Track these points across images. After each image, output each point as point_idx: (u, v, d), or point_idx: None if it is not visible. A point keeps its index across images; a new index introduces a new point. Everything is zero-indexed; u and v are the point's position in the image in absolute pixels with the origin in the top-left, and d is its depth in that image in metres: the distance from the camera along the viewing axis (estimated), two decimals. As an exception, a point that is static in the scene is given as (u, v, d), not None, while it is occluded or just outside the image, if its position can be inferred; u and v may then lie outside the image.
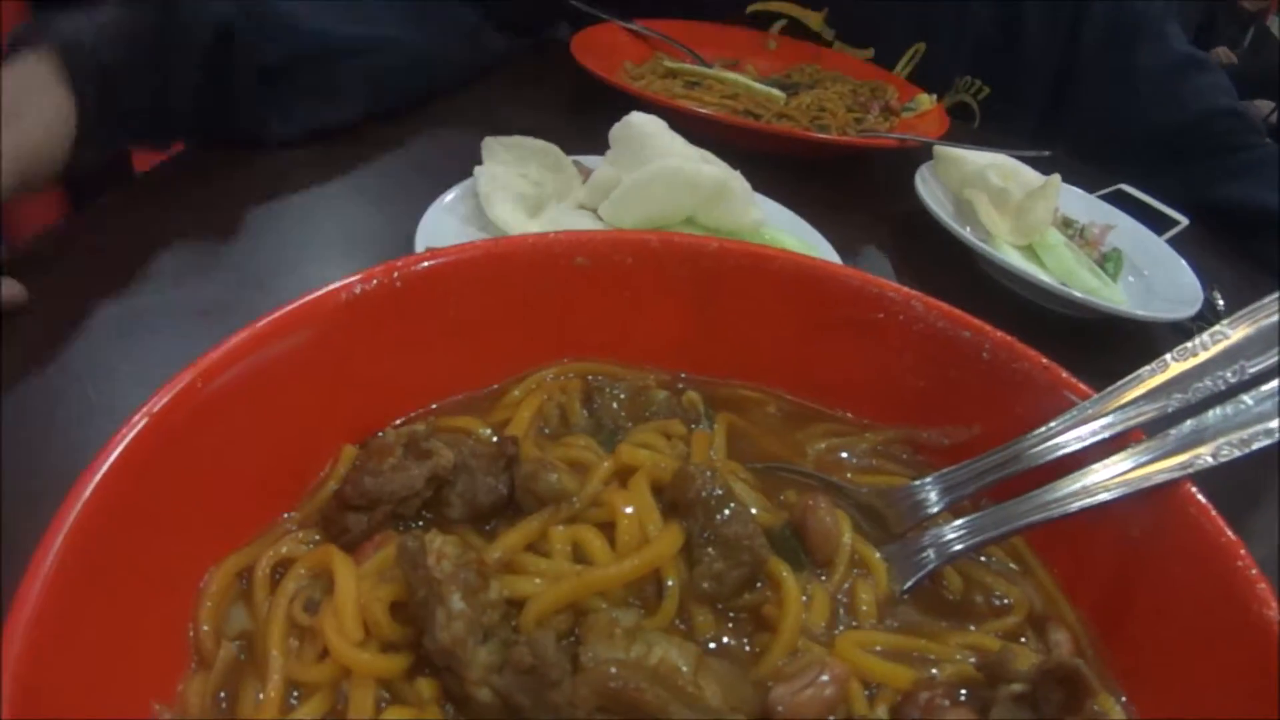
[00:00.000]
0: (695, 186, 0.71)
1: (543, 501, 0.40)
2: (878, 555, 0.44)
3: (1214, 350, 0.48)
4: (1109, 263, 0.98)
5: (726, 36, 1.30)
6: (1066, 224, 0.99)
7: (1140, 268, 0.99)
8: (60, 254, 0.73)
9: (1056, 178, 0.95)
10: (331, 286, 0.42)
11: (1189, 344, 0.48)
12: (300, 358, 0.40)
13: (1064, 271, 0.90)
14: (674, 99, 1.04)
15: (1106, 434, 0.46)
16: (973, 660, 0.40)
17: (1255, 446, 0.44)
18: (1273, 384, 0.45)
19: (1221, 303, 1.00)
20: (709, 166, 0.72)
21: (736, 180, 0.73)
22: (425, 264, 0.44)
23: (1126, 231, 1.04)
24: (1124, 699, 0.41)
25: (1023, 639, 0.43)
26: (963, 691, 0.38)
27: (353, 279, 0.42)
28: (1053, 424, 0.46)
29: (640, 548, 0.38)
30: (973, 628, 0.44)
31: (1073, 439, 0.46)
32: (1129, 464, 0.44)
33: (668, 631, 0.37)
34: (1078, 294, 0.85)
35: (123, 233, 0.76)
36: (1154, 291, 0.95)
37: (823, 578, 0.43)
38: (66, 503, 0.32)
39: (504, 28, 1.11)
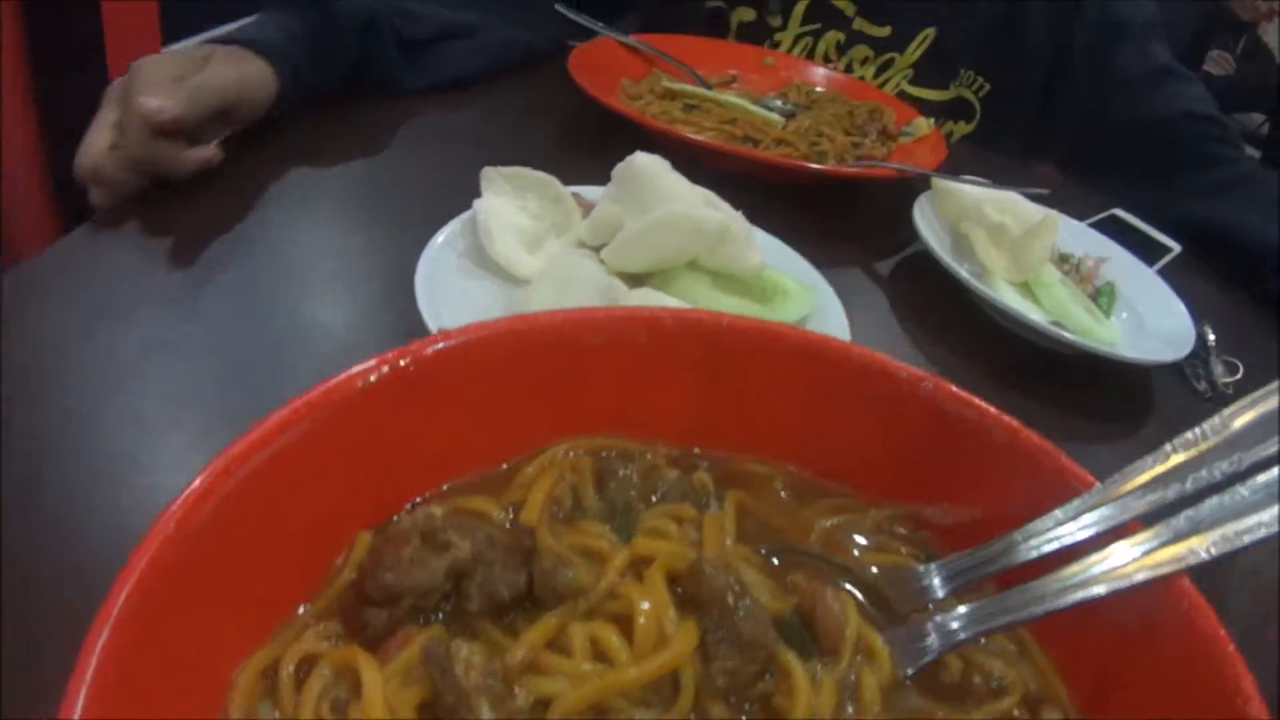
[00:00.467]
0: (698, 231, 0.71)
1: (561, 597, 0.40)
2: (882, 642, 0.45)
3: (1215, 440, 0.49)
4: (1102, 297, 1.00)
5: (724, 52, 1.30)
6: (1062, 259, 1.00)
7: (1133, 302, 1.01)
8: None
9: (1054, 217, 0.96)
10: (343, 376, 0.42)
11: (1190, 434, 0.49)
12: (312, 448, 0.41)
13: (1059, 310, 0.91)
14: (673, 124, 1.05)
15: (1106, 525, 0.47)
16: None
17: (1249, 540, 0.45)
18: (1270, 473, 0.46)
19: (1213, 339, 1.01)
20: (711, 211, 0.72)
21: (738, 224, 0.73)
22: (437, 346, 0.44)
23: (1120, 264, 1.05)
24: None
25: (1016, 720, 0.45)
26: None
27: (366, 366, 0.42)
28: (1056, 513, 0.47)
29: (659, 648, 0.39)
30: (972, 714, 0.45)
31: (1073, 529, 0.47)
32: (1127, 557, 0.45)
33: (684, 727, 0.38)
34: (1070, 336, 0.86)
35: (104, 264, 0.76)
36: (1146, 329, 0.96)
37: (829, 664, 0.43)
38: (100, 616, 0.32)
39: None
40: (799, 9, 1.35)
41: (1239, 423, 0.49)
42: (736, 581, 0.41)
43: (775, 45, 1.38)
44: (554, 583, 0.40)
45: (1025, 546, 0.47)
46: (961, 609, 0.46)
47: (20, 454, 0.57)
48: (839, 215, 1.06)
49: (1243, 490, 0.46)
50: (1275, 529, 0.45)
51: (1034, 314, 0.90)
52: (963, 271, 0.90)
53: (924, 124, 1.18)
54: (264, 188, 0.89)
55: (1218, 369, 0.98)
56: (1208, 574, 0.44)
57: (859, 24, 1.36)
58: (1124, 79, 1.36)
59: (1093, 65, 1.37)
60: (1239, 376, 0.97)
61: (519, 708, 0.35)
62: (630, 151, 0.80)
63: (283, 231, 0.84)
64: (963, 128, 1.42)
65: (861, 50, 1.37)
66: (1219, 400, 0.94)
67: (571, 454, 0.49)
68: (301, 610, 0.41)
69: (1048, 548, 0.47)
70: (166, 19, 1.59)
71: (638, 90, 1.13)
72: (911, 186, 1.08)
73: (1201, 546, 0.45)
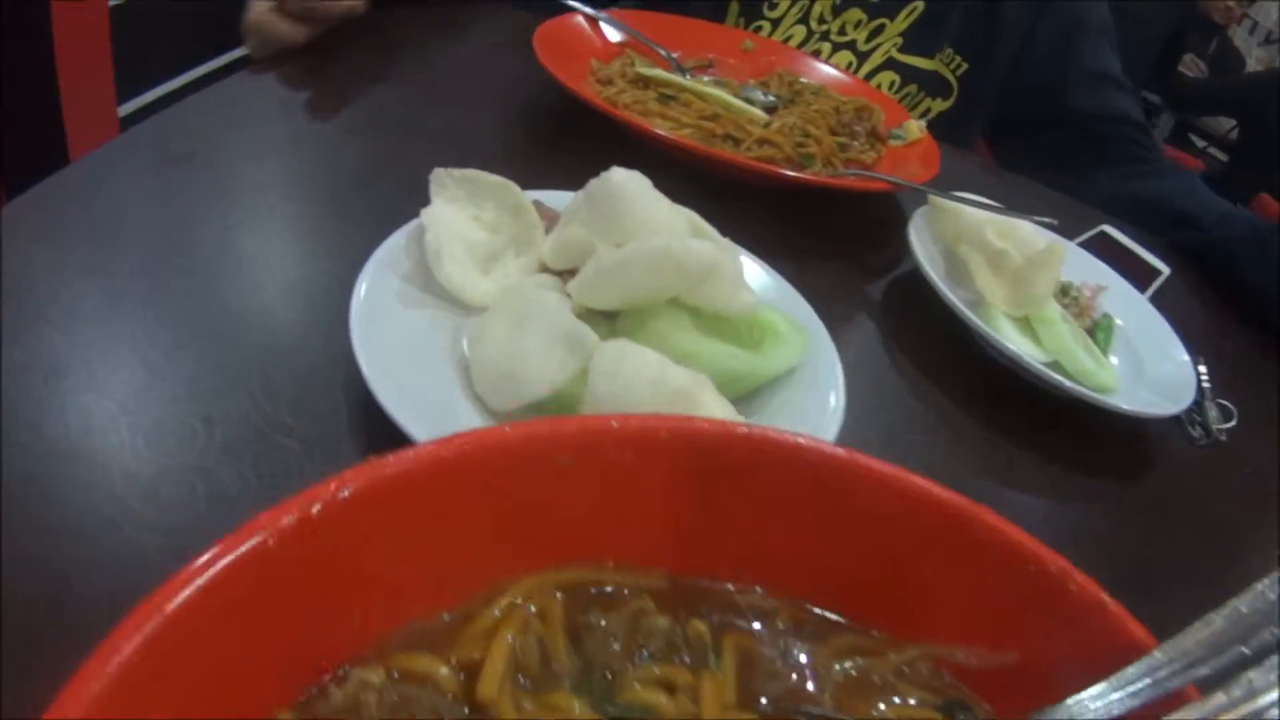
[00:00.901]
0: (682, 268, 0.61)
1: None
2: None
3: (1275, 597, 0.41)
4: (1100, 332, 0.93)
5: (701, 33, 1.19)
6: (1064, 290, 0.93)
7: (1131, 338, 0.94)
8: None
9: (1060, 246, 0.88)
10: (262, 519, 0.32)
11: (1257, 586, 0.41)
12: (221, 615, 0.31)
13: (1060, 350, 0.84)
14: (648, 117, 0.94)
15: (1159, 692, 0.39)
16: None
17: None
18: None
19: (1207, 381, 0.95)
20: (698, 244, 0.62)
21: (727, 259, 0.64)
22: (374, 476, 0.34)
23: (1115, 293, 0.99)
24: None
25: None
26: None
27: (289, 506, 0.33)
28: (1103, 685, 0.39)
29: None
30: None
31: (1123, 696, 0.39)
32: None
33: None
34: (1068, 384, 0.79)
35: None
36: (1145, 373, 0.89)
37: None
38: None
39: None
40: None
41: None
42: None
43: (773, 7, 1.35)
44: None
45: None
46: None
47: None
48: (825, 222, 0.97)
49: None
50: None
51: (1031, 353, 0.83)
52: (960, 305, 0.82)
53: (915, 127, 1.09)
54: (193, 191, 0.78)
55: (1212, 413, 0.93)
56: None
57: None
58: (1077, 72, 1.44)
59: (1053, 54, 1.43)
60: (1233, 423, 0.93)
61: None
62: (600, 145, 0.71)
63: (217, 230, 0.73)
64: (939, 104, 1.42)
65: (855, 14, 1.36)
66: (1214, 449, 0.89)
67: (538, 594, 0.40)
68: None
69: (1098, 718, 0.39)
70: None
71: (608, 73, 1.03)
72: (904, 194, 0.99)
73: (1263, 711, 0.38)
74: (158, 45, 2.37)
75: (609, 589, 0.41)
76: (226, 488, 0.55)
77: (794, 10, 1.36)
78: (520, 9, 1.19)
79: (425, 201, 0.70)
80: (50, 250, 0.67)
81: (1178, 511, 0.81)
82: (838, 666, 0.42)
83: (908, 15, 1.37)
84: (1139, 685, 0.39)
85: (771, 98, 1.07)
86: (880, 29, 1.37)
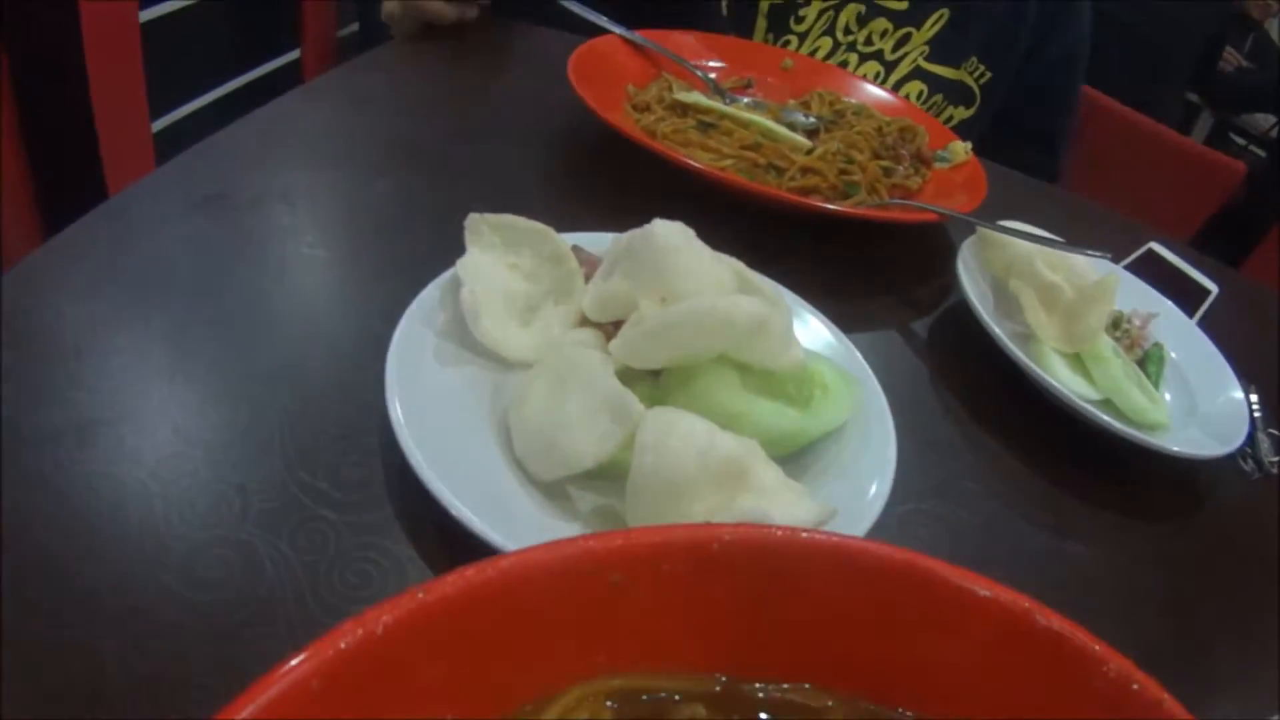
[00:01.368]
0: (729, 327, 0.59)
1: None
2: None
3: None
4: (1151, 364, 0.90)
5: (738, 52, 1.17)
6: (1115, 323, 0.90)
7: (1183, 370, 0.91)
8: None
9: (1113, 279, 0.85)
10: (297, 660, 0.30)
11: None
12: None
13: (1112, 388, 0.81)
14: (688, 147, 0.92)
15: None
16: None
17: None
18: None
19: (1258, 410, 0.93)
20: (746, 301, 0.60)
21: (776, 315, 0.61)
22: (412, 605, 0.32)
23: (1166, 320, 0.96)
24: None
25: None
26: None
27: (324, 643, 0.31)
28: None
29: None
30: None
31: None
32: None
33: None
34: (1119, 426, 0.77)
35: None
36: (1198, 409, 0.87)
37: None
38: None
39: None
40: None
41: None
42: None
43: (800, 20, 1.34)
44: None
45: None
46: None
47: None
48: (870, 253, 0.95)
49: None
50: None
51: (1082, 392, 0.80)
52: (1009, 343, 0.80)
53: (961, 149, 1.06)
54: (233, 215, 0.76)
55: (1264, 445, 0.90)
56: None
57: None
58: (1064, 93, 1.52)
59: (1049, 70, 1.46)
60: (1286, 456, 0.90)
61: None
62: (640, 176, 0.69)
63: (246, 281, 0.72)
64: (961, 113, 1.42)
65: (881, 23, 1.36)
66: (1265, 482, 0.87)
67: (588, 704, 0.38)
68: None
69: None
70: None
71: (644, 99, 1.00)
72: (951, 222, 0.96)
73: None
74: (189, 61, 2.38)
75: (661, 694, 0.39)
76: (263, 562, 0.53)
77: (820, 23, 1.35)
78: (553, 29, 1.17)
79: (459, 244, 0.69)
80: (77, 304, 0.66)
81: (1231, 552, 0.79)
82: (897, 773, 0.40)
83: (934, 23, 1.36)
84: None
85: (813, 120, 1.04)
86: (906, 38, 1.36)
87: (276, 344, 0.67)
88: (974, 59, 1.39)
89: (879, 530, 0.60)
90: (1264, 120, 4.18)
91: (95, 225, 0.74)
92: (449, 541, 0.54)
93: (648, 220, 0.66)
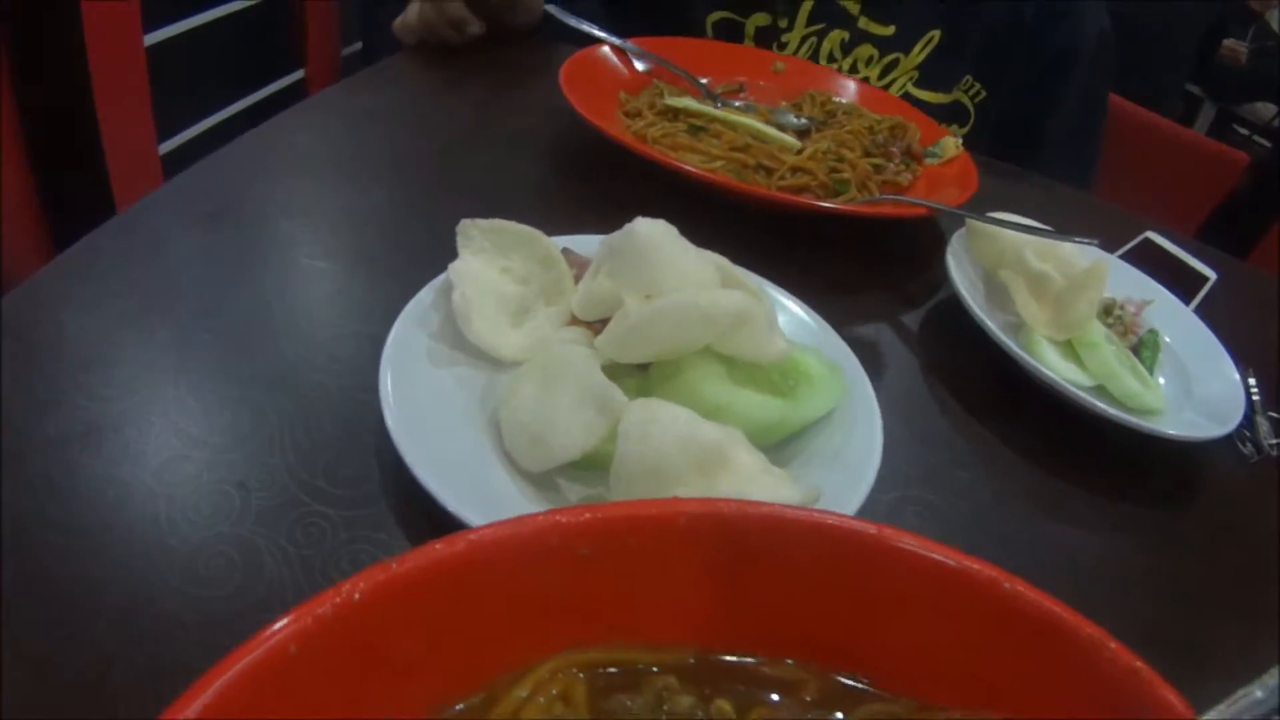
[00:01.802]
0: (710, 320, 0.61)
1: None
2: None
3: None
4: (1145, 350, 0.90)
5: (729, 57, 1.19)
6: (1107, 310, 0.90)
7: (1177, 354, 0.92)
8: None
9: (1102, 266, 0.86)
10: (277, 626, 0.32)
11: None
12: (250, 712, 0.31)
13: (1105, 374, 0.82)
14: (678, 151, 0.94)
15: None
16: None
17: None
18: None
19: (1257, 394, 0.93)
20: (727, 295, 0.61)
21: (758, 308, 0.63)
22: (384, 578, 0.34)
23: (1161, 307, 0.96)
24: None
25: None
26: None
27: (302, 610, 0.33)
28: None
29: None
30: None
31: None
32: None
33: None
34: (1113, 411, 0.77)
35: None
36: (1193, 392, 0.87)
37: None
38: None
39: None
40: (805, 7, 1.31)
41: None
42: None
43: (783, 47, 1.33)
44: None
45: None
46: None
47: None
48: (861, 249, 0.96)
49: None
50: None
51: (1075, 379, 0.81)
52: (999, 332, 0.81)
53: (951, 144, 1.08)
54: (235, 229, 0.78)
55: (1264, 428, 0.91)
56: None
57: (863, 23, 1.32)
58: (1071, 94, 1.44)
59: (1054, 71, 1.41)
60: (1285, 437, 0.90)
61: None
62: (631, 181, 0.70)
63: (248, 292, 0.74)
64: (956, 131, 1.37)
65: (866, 49, 1.34)
66: (1265, 464, 0.87)
67: (562, 676, 0.39)
68: None
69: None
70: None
71: (636, 105, 1.02)
72: (941, 216, 0.98)
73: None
74: (194, 84, 2.42)
75: (636, 667, 0.40)
76: (263, 558, 0.55)
77: (803, 49, 1.34)
78: (547, 40, 1.19)
79: (453, 250, 0.71)
80: (82, 317, 0.68)
81: (1230, 535, 0.79)
82: (869, 738, 0.41)
83: (923, 48, 1.33)
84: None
85: (804, 121, 1.05)
86: (894, 64, 1.34)
87: (277, 351, 0.69)
88: (969, 78, 1.36)
89: (867, 516, 0.61)
90: (1265, 110, 4.18)
91: (101, 241, 0.76)
92: (441, 534, 0.55)
93: (637, 222, 0.67)
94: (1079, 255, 0.90)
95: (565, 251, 0.72)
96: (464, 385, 0.64)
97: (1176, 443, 0.81)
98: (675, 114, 1.00)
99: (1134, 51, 2.63)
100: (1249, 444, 0.89)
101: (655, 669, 0.41)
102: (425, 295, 0.67)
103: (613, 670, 0.40)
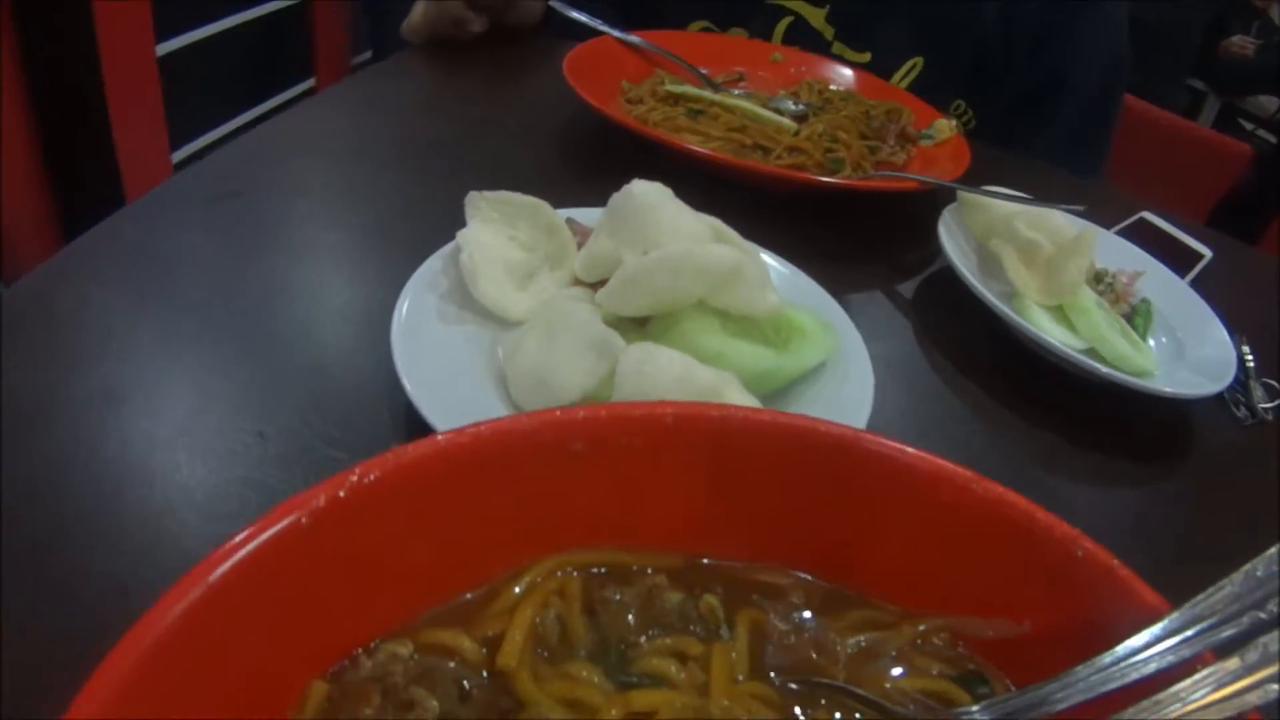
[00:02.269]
0: (703, 272, 0.63)
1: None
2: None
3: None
4: (1138, 317, 0.92)
5: (729, 49, 1.22)
6: (1098, 278, 0.93)
7: (1170, 321, 0.94)
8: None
9: (1090, 233, 0.88)
10: (292, 501, 0.35)
11: (1273, 550, 0.41)
12: (258, 587, 0.34)
13: (1095, 337, 0.84)
14: (678, 133, 0.97)
15: (1175, 657, 0.40)
16: None
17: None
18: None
19: (1251, 360, 0.95)
20: (720, 248, 0.64)
21: (751, 261, 0.66)
22: (386, 466, 0.37)
23: (1154, 278, 0.98)
24: None
25: None
26: None
27: (315, 490, 0.35)
28: (1117, 651, 0.40)
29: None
30: None
31: (1135, 662, 0.40)
32: (1199, 694, 0.38)
33: None
34: (1105, 370, 0.79)
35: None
36: (1185, 355, 0.89)
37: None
38: None
39: None
40: (780, 28, 1.30)
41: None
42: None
43: None
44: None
45: (1083, 685, 0.40)
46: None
47: None
48: (857, 226, 0.98)
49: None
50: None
51: (1067, 342, 0.83)
52: (991, 297, 0.83)
53: (946, 126, 1.10)
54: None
55: (1258, 393, 0.92)
56: None
57: (838, 48, 1.30)
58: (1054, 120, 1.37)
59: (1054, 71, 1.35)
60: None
61: None
62: (632, 164, 0.73)
63: (265, 263, 0.77)
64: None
65: None
66: (1260, 427, 0.88)
67: (559, 574, 0.42)
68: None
69: (1106, 687, 0.40)
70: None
71: (638, 93, 1.05)
72: (932, 194, 1.00)
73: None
74: (207, 93, 2.47)
75: (630, 568, 0.43)
76: (279, 499, 0.57)
77: None
78: (554, 36, 1.23)
79: (461, 225, 0.74)
80: (106, 289, 0.71)
81: (1223, 491, 0.80)
82: (851, 640, 0.44)
83: (904, 75, 1.29)
84: (1154, 650, 0.40)
85: (802, 106, 1.08)
86: None
87: (293, 315, 0.73)
88: (960, 102, 1.32)
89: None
90: (1269, 103, 4.20)
91: (121, 224, 0.80)
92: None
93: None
94: (1067, 224, 0.92)
95: (569, 221, 0.75)
96: (472, 341, 0.67)
97: (1170, 404, 0.83)
98: (675, 100, 1.03)
99: (1136, 46, 2.65)
100: (1243, 408, 0.90)
101: (648, 570, 0.43)
102: (435, 261, 0.70)
103: (605, 570, 0.43)
